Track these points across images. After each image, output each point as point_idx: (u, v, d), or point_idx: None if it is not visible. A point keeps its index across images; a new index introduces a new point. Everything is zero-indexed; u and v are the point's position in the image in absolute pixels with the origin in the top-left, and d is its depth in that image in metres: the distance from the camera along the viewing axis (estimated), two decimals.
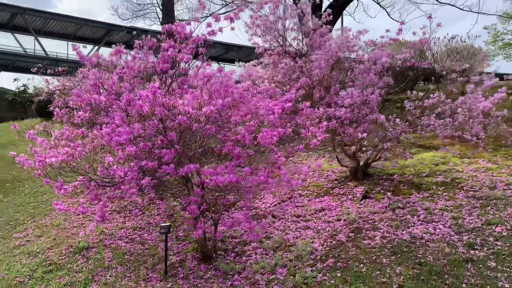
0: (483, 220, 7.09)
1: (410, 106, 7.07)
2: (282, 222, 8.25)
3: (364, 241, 6.93)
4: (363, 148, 7.78)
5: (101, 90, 5.70)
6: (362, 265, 6.25)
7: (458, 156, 10.31)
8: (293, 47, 8.75)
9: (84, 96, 5.62)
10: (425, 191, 8.68)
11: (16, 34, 35.96)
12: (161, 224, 7.01)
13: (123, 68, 5.98)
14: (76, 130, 6.43)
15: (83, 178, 6.21)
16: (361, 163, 9.60)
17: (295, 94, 6.53)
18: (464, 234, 6.76)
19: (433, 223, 7.25)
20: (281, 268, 6.56)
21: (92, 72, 5.11)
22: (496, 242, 6.43)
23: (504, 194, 7.94)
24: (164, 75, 5.83)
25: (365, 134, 6.37)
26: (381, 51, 7.48)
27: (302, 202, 9.09)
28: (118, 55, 5.91)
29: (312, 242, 7.19)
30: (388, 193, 8.80)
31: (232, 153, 5.12)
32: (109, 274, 7.10)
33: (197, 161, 5.68)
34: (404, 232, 7.07)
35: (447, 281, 5.67)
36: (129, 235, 8.62)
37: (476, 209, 7.59)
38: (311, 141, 5.42)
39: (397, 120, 7.09)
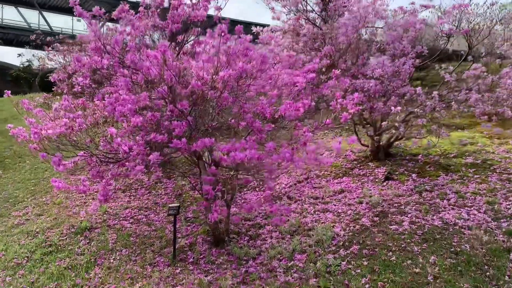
0: None
1: (449, 77, 6.35)
2: (298, 204, 7.66)
3: (391, 227, 6.33)
4: (396, 124, 7.07)
5: (104, 56, 5.04)
6: (390, 253, 5.65)
7: (487, 136, 9.63)
8: (315, 12, 7.99)
9: (84, 60, 4.98)
10: (453, 173, 8.03)
11: (20, 8, 35.14)
12: (170, 205, 6.43)
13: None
14: (76, 100, 5.80)
15: (84, 153, 5.61)
16: (383, 142, 8.93)
17: (318, 64, 5.82)
18: (502, 220, 6.14)
19: (466, 208, 6.63)
20: (300, 254, 5.99)
21: (92, 27, 4.41)
22: None
23: None
24: (174, 39, 5.16)
25: (398, 108, 5.67)
26: (414, 17, 6.73)
27: (319, 183, 8.48)
28: (123, 15, 5.22)
29: (333, 227, 6.60)
30: (413, 175, 8.17)
31: (252, 126, 4.48)
32: (113, 257, 6.57)
33: (210, 135, 5.05)
34: (434, 217, 6.46)
35: (488, 273, 5.08)
36: (135, 216, 8.08)
37: None
38: (340, 115, 4.77)
39: (435, 93, 6.38)
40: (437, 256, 5.45)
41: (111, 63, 4.51)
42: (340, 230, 6.45)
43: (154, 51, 4.08)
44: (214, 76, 4.19)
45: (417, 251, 5.62)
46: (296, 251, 6.08)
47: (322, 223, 6.79)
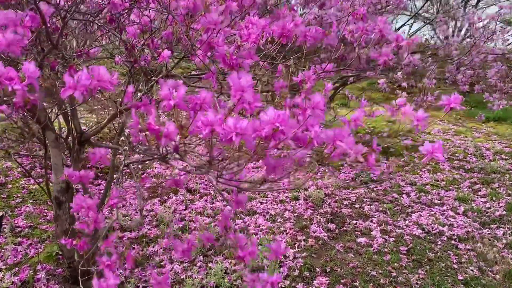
0: (502, 205, 5.03)
1: None
2: (207, 200, 5.08)
3: (358, 240, 4.25)
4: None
5: None
6: None
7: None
8: None
9: None
10: (395, 157, 6.40)
11: None
12: None
13: None
14: None
15: None
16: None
17: None
18: (493, 226, 4.58)
19: (438, 207, 4.96)
20: None
21: None
22: None
23: (500, 166, 6.07)
24: None
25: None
26: None
27: (230, 167, 5.98)
28: None
29: (273, 241, 4.23)
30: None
31: (214, 50, 1.78)
32: None
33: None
34: (407, 222, 4.61)
35: None
36: None
37: (477, 185, 5.56)
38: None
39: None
40: None
41: None
42: (287, 247, 4.12)
43: None
44: None
45: (416, 283, 3.64)
46: None
47: (253, 234, 4.37)
